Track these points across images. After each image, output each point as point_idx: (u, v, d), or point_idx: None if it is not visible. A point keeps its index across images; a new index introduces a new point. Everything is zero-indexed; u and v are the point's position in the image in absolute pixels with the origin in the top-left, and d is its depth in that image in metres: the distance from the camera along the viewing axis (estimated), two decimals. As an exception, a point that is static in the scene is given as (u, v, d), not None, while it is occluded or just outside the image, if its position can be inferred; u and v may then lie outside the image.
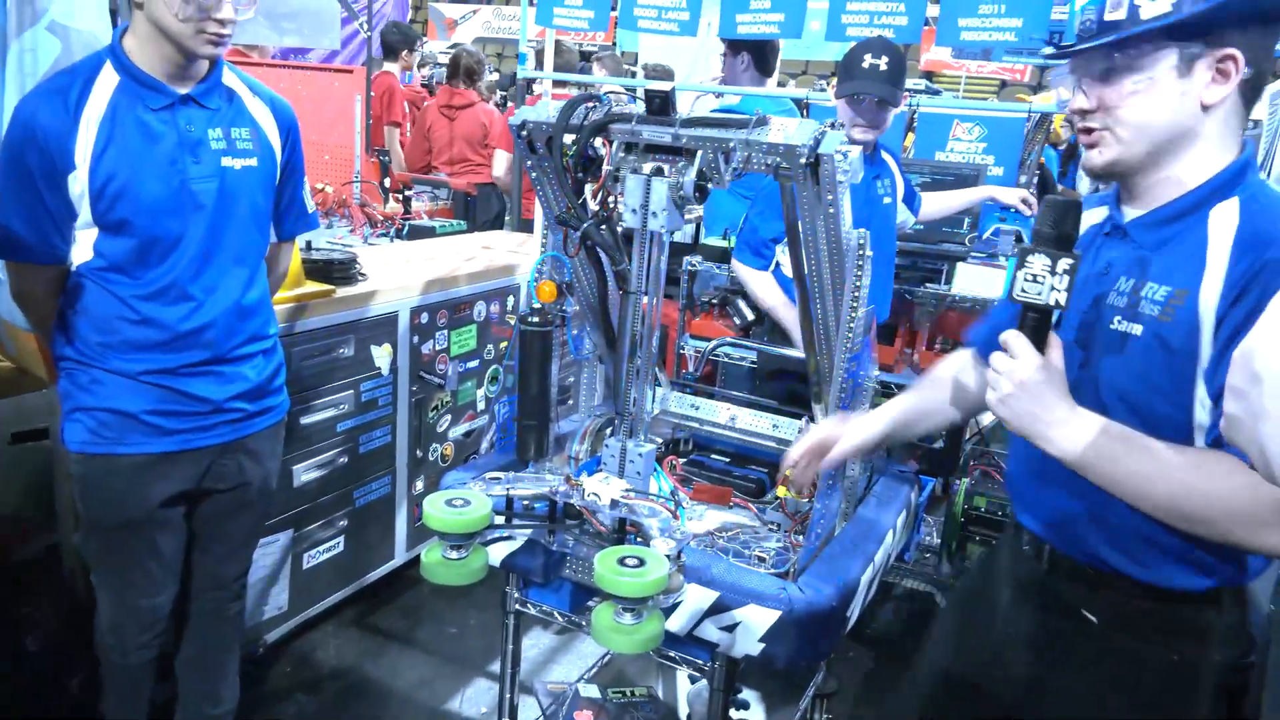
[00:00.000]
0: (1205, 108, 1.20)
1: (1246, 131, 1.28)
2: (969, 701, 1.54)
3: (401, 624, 2.89)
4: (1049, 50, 1.31)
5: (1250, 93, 1.22)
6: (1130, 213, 1.30)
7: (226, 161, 1.77)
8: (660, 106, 1.52)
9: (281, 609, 2.57)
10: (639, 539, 1.53)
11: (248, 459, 1.94)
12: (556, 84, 4.25)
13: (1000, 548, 1.57)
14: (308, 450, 2.54)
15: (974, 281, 2.82)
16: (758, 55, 3.60)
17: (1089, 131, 1.26)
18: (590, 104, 1.59)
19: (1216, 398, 1.15)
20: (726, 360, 3.16)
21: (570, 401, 2.36)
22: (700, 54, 6.33)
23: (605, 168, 1.59)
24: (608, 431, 1.98)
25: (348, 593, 2.82)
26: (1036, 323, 1.20)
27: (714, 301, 3.33)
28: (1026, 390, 1.18)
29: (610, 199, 1.62)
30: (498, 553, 1.69)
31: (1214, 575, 1.26)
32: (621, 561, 1.33)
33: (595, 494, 1.55)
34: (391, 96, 5.32)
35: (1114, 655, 1.32)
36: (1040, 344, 1.19)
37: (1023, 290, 1.17)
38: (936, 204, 3.01)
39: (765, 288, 2.70)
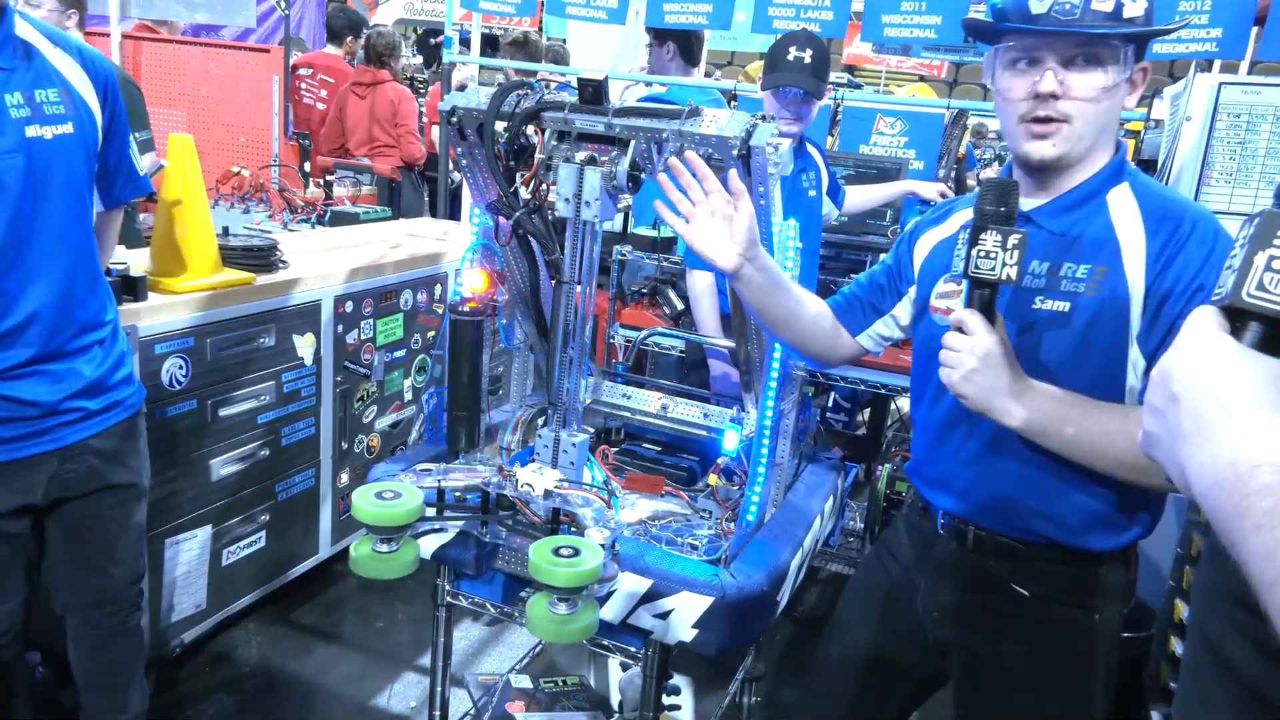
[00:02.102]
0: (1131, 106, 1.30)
1: (1149, 131, 1.36)
2: (901, 679, 1.59)
3: (327, 619, 2.83)
4: (1011, 24, 1.25)
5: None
6: (1030, 203, 1.35)
7: (33, 131, 1.51)
8: (593, 95, 1.51)
9: (200, 607, 2.49)
10: (573, 529, 1.53)
11: (100, 460, 1.74)
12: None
13: (900, 533, 1.59)
14: (226, 443, 2.46)
15: (896, 272, 2.89)
16: (683, 45, 3.61)
17: (1047, 120, 1.26)
18: (522, 91, 1.58)
19: (1150, 358, 1.25)
20: (656, 349, 3.18)
21: (500, 391, 2.34)
22: (626, 44, 6.32)
23: (538, 156, 1.58)
24: (540, 422, 1.97)
25: (270, 589, 2.75)
26: (985, 300, 1.24)
27: (644, 291, 3.34)
28: (988, 364, 1.22)
29: (542, 187, 1.61)
30: (428, 545, 1.67)
31: (1126, 533, 1.35)
32: (556, 552, 1.33)
33: (529, 484, 1.54)
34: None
35: (1047, 622, 1.38)
36: (989, 320, 1.23)
37: (976, 267, 1.21)
38: (859, 197, 3.07)
39: (708, 287, 2.69)
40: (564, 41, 7.27)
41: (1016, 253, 1.19)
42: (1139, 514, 1.36)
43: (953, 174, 3.98)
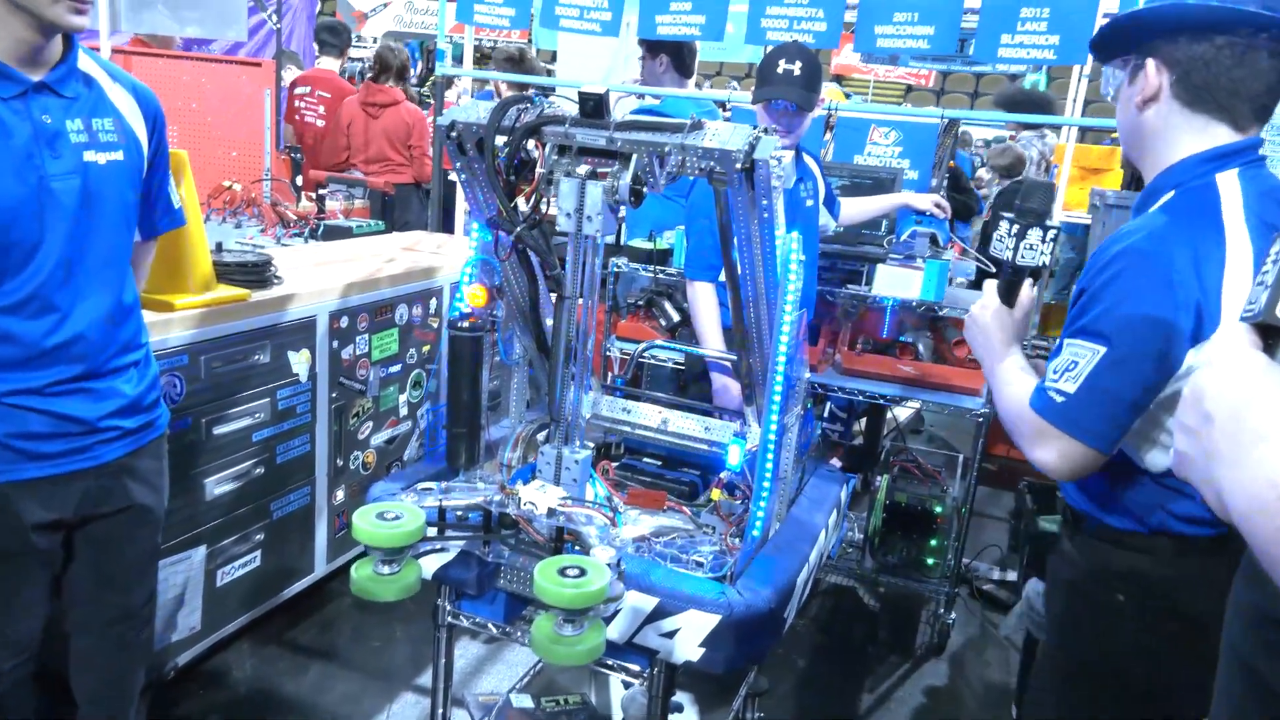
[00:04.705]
0: (1139, 112, 1.38)
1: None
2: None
3: (323, 639, 2.80)
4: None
5: (1198, 95, 1.31)
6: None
7: (89, 156, 1.60)
8: (594, 109, 1.50)
9: (193, 629, 2.45)
10: (577, 547, 1.51)
11: (132, 480, 1.79)
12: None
13: None
14: (221, 462, 2.43)
15: (893, 282, 2.89)
16: (676, 57, 3.61)
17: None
18: (522, 105, 1.56)
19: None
20: (653, 362, 3.16)
21: (499, 406, 2.32)
22: (619, 56, 6.33)
23: (538, 170, 1.56)
24: (540, 437, 1.95)
25: (265, 609, 2.71)
26: (1012, 279, 1.48)
27: (639, 303, 3.34)
28: (975, 324, 1.52)
29: (543, 202, 1.59)
30: (430, 565, 1.65)
31: (1127, 517, 1.40)
32: (562, 572, 1.30)
33: (531, 503, 1.52)
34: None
35: (1080, 597, 1.50)
36: (1014, 298, 1.48)
37: (1022, 257, 1.44)
38: (854, 209, 3.07)
39: (710, 299, 2.66)
40: (554, 55, 7.28)
41: (1053, 244, 1.42)
42: (1154, 506, 1.38)
43: (944, 183, 4.00)
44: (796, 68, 2.45)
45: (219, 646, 2.60)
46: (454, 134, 1.62)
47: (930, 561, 3.00)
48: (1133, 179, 4.20)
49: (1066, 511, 1.55)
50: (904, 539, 3.02)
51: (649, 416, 2.13)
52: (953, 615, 3.06)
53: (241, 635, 2.68)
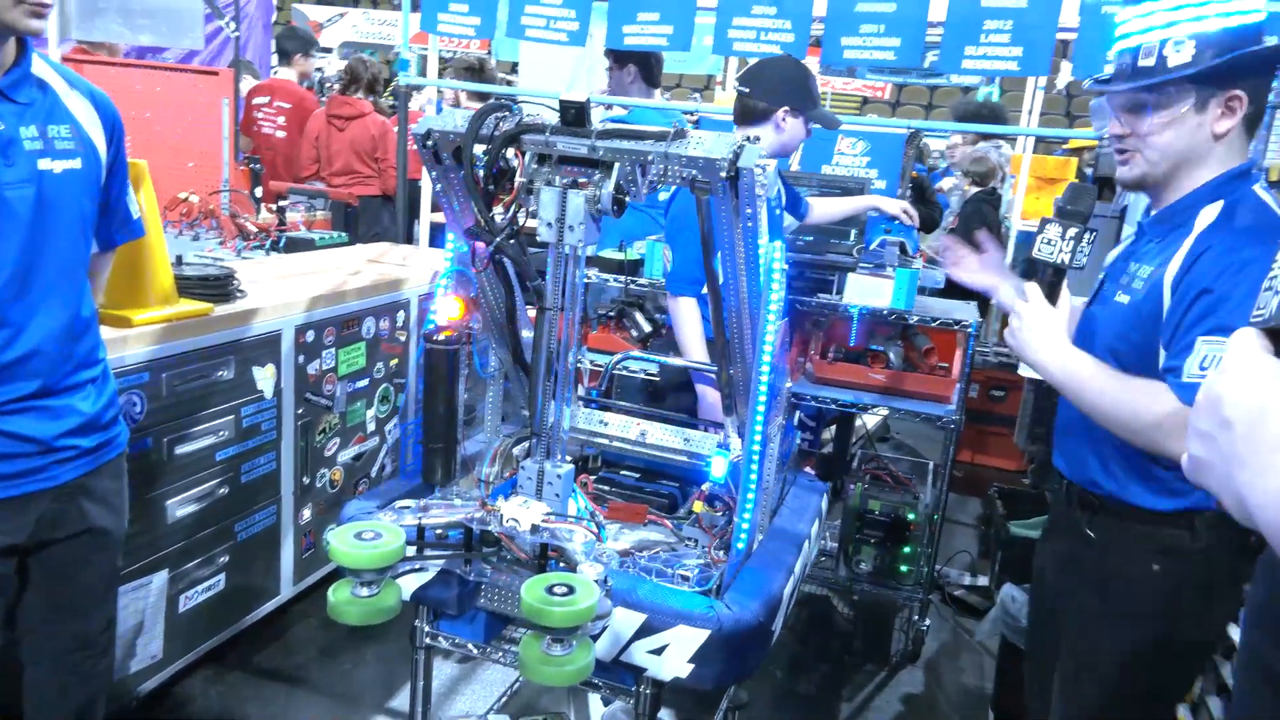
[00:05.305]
0: (1216, 136, 1.48)
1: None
2: (1040, 624, 1.88)
3: (291, 663, 2.71)
4: (1088, 84, 1.67)
5: (1251, 122, 1.50)
6: (1153, 214, 1.62)
7: (45, 164, 1.53)
8: (575, 117, 1.48)
9: (155, 657, 2.36)
10: (560, 564, 1.47)
11: (90, 501, 1.71)
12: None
13: (1050, 497, 1.89)
14: (184, 482, 2.35)
15: (864, 291, 2.90)
16: (644, 67, 3.60)
17: (1123, 151, 1.56)
18: (501, 114, 1.53)
19: (1167, 344, 1.47)
20: (624, 374, 3.13)
21: (473, 420, 2.27)
22: (581, 66, 6.32)
23: (518, 179, 1.53)
24: (517, 451, 1.92)
25: (230, 634, 2.62)
26: (1049, 279, 1.54)
27: (610, 314, 3.31)
28: (1029, 325, 1.53)
29: (521, 212, 1.56)
30: (408, 585, 1.60)
31: (1177, 497, 1.53)
32: (550, 590, 1.27)
33: (514, 519, 1.48)
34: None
35: (1107, 568, 1.62)
36: (1054, 297, 1.53)
37: (1038, 251, 1.53)
38: (824, 209, 3.08)
39: (692, 312, 2.65)
40: (514, 66, 7.24)
41: (1073, 243, 1.50)
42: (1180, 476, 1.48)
43: (909, 192, 4.04)
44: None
45: (182, 674, 2.50)
46: (430, 143, 1.58)
47: (904, 569, 3.00)
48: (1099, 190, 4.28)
49: (1098, 502, 1.62)
50: (878, 547, 3.03)
51: (627, 428, 2.10)
52: (927, 621, 3.07)
53: (206, 662, 2.59)
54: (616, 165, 1.47)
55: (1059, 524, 1.78)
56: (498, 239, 1.55)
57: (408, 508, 1.61)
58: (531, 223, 1.53)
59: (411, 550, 1.47)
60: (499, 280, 1.75)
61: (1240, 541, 1.53)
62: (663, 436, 2.07)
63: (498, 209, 1.59)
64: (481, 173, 1.54)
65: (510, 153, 1.56)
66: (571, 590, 1.28)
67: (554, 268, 1.55)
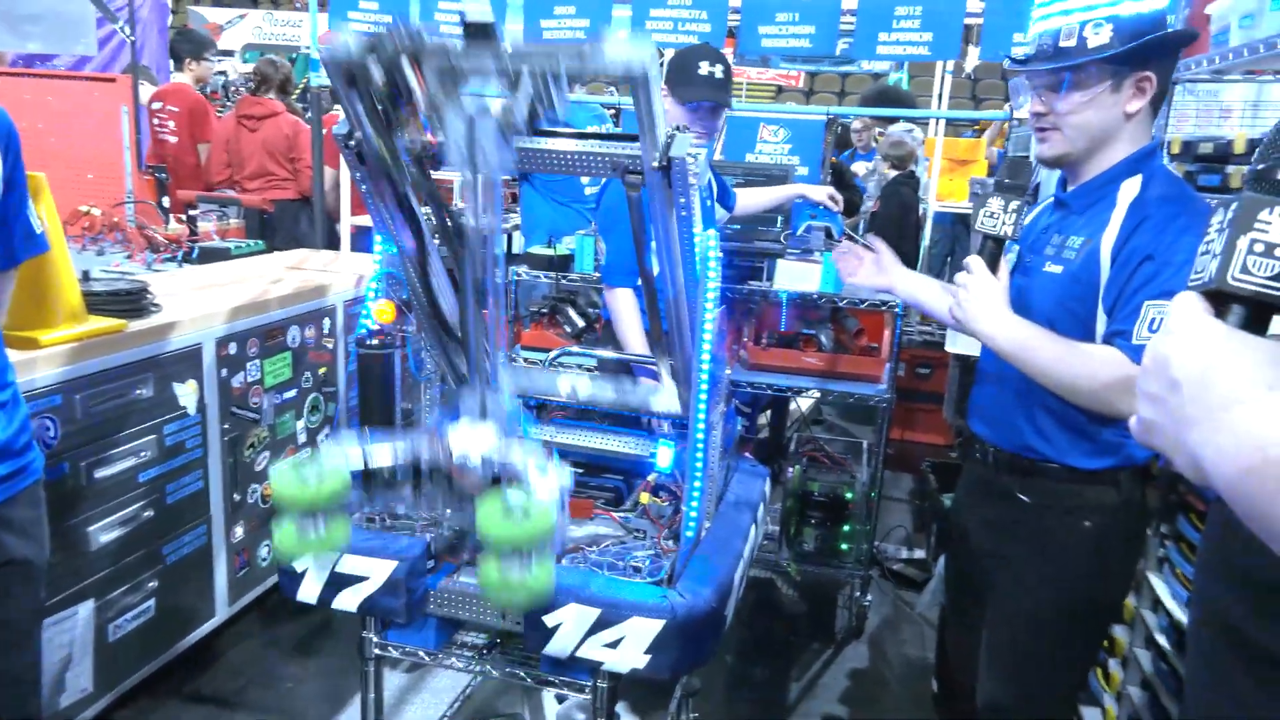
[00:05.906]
0: (1128, 115, 1.56)
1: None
2: (965, 590, 1.92)
3: (231, 686, 2.62)
4: (1008, 63, 1.69)
5: (1155, 103, 1.58)
6: (1070, 189, 1.67)
7: None
8: (481, 37, 1.39)
9: (85, 690, 2.25)
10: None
11: (7, 532, 1.62)
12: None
13: (965, 465, 1.90)
14: (105, 507, 2.24)
15: (793, 276, 2.95)
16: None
17: (1042, 129, 1.62)
18: (399, 36, 1.44)
19: (1109, 311, 1.53)
20: (562, 369, 3.11)
21: (410, 425, 2.22)
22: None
23: (418, 98, 1.42)
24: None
25: (165, 660, 2.52)
26: (991, 251, 1.58)
27: (543, 311, 3.29)
28: (975, 295, 1.56)
29: (425, 137, 1.45)
30: (353, 598, 1.56)
31: (1109, 455, 1.60)
32: (506, 508, 1.22)
33: (465, 451, 1.40)
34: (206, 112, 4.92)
35: (1042, 530, 1.68)
36: (993, 267, 1.57)
37: (981, 224, 1.58)
38: (751, 199, 3.11)
39: (630, 304, 2.62)
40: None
41: (1015, 215, 1.55)
42: (1121, 443, 1.59)
43: (829, 177, 4.11)
44: (718, 70, 2.48)
45: (115, 706, 2.39)
46: (352, 143, 1.53)
47: (844, 547, 3.07)
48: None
49: (1030, 466, 1.67)
50: (818, 527, 3.08)
51: (574, 432, 2.09)
52: (869, 597, 3.14)
53: (140, 692, 2.48)
54: (526, 75, 1.37)
55: (985, 490, 1.79)
56: (407, 165, 1.45)
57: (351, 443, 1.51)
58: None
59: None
60: (407, 225, 1.64)
61: (1146, 492, 1.67)
62: (605, 441, 2.05)
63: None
64: (378, 95, 1.42)
65: (412, 79, 1.44)
66: (528, 510, 1.23)
67: (471, 196, 1.43)
